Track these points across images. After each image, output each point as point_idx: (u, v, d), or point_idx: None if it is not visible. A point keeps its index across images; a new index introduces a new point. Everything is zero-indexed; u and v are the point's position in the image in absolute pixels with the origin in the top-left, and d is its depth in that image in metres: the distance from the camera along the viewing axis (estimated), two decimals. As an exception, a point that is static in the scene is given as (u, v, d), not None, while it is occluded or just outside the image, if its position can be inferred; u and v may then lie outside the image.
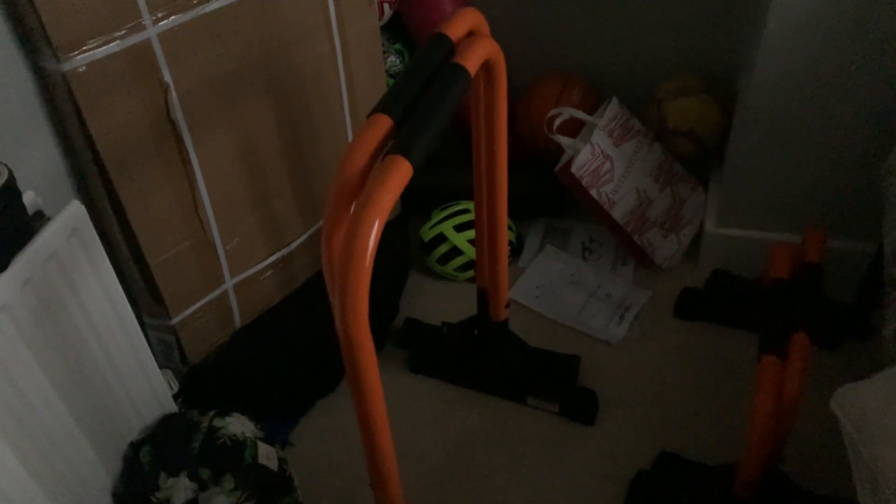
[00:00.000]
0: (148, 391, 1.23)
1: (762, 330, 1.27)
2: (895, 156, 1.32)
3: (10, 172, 0.88)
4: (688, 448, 1.41)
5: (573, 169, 1.64)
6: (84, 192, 1.18)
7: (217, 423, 1.24)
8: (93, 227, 1.03)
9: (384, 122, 0.85)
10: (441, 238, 1.76)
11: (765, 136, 1.57)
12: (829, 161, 1.55)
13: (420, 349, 1.63)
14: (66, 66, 1.02)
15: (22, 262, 0.91)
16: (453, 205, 1.81)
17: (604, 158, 1.68)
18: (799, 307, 1.30)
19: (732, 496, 1.26)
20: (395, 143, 0.82)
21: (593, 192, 1.66)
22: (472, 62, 0.93)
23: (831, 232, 1.46)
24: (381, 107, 0.86)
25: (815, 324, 1.27)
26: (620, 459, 1.42)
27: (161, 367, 1.29)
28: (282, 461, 1.27)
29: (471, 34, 1.03)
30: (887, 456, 0.89)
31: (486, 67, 1.03)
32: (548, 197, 1.88)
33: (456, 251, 1.75)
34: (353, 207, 0.81)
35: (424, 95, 0.89)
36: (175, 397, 1.33)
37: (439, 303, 1.75)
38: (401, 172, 0.79)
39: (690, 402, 1.52)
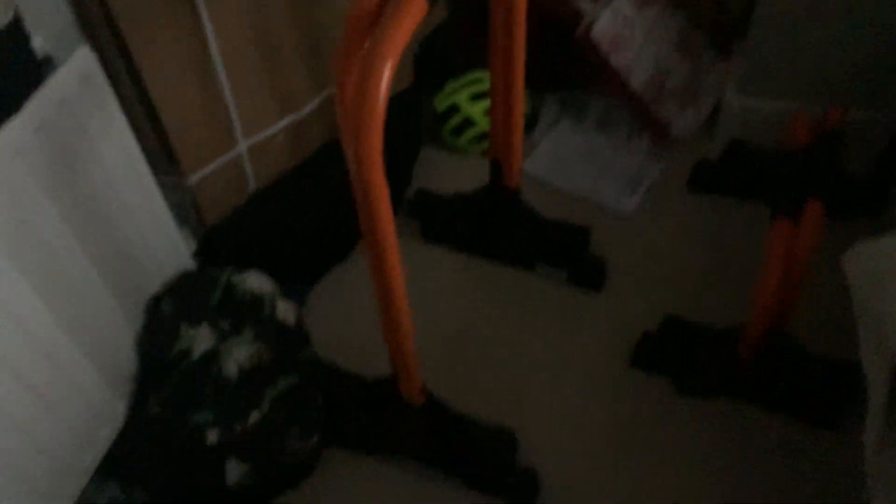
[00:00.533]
0: (166, 247, 1.26)
1: (776, 193, 1.27)
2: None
3: (17, 11, 0.87)
4: (694, 315, 1.43)
5: (593, 34, 1.59)
6: (93, 43, 1.16)
7: (235, 278, 1.27)
8: (104, 76, 1.02)
9: (397, -42, 0.81)
10: (455, 109, 1.74)
11: (794, 1, 1.51)
12: (860, 30, 1.49)
13: (433, 218, 1.64)
14: None
15: (34, 106, 0.91)
16: (468, 74, 1.77)
17: (624, 24, 1.63)
18: (816, 173, 1.29)
19: (736, 357, 1.30)
20: (409, -21, 0.80)
21: (612, 60, 1.62)
22: None
23: (853, 103, 1.42)
24: (394, -59, 0.82)
25: (830, 191, 1.26)
26: (627, 325, 1.45)
27: (178, 226, 1.31)
28: (299, 317, 1.31)
29: None
30: None
31: None
32: (564, 68, 1.83)
33: (469, 122, 1.73)
34: (365, 46, 0.80)
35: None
36: (193, 257, 1.36)
37: (452, 176, 1.75)
38: (415, 7, 0.77)
39: (699, 272, 1.53)
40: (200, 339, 1.20)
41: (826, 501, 1.20)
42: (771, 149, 1.63)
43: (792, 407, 1.30)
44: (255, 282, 1.28)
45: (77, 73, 0.96)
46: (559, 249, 1.55)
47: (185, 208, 1.38)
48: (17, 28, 0.86)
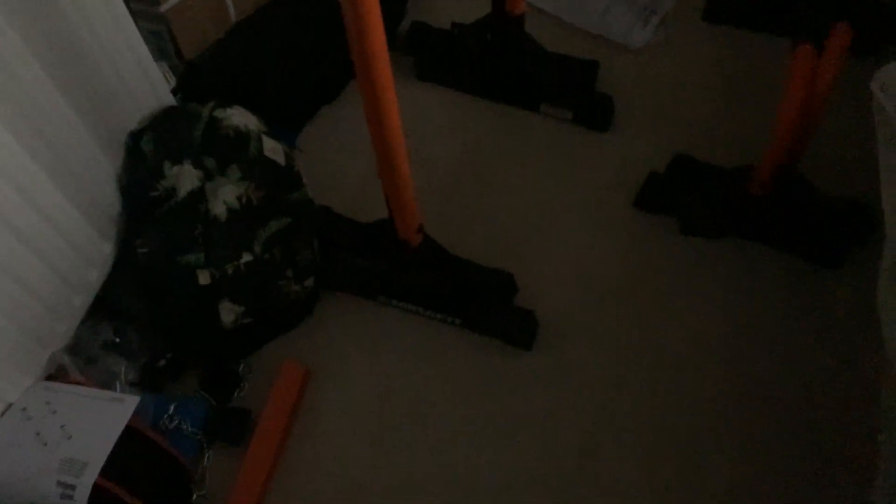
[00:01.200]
0: (143, 81, 1.17)
1: (801, 16, 1.17)
2: None
3: None
4: (705, 154, 1.37)
5: None
6: None
7: (218, 113, 1.19)
8: None
9: None
10: (452, -69, 1.59)
11: None
12: None
13: (429, 54, 1.53)
14: None
15: None
16: None
17: None
18: (846, -6, 1.18)
19: (746, 195, 1.25)
20: None
21: None
22: None
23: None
24: None
25: (859, 14, 1.16)
26: (635, 165, 1.39)
27: (155, 60, 1.22)
28: (288, 157, 1.25)
29: None
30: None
31: None
32: None
33: (469, -54, 1.59)
34: None
35: None
36: (173, 93, 1.28)
37: (448, 5, 1.62)
38: None
39: (712, 109, 1.45)
40: (185, 177, 1.14)
41: (830, 337, 1.19)
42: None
43: (799, 246, 1.27)
44: (240, 118, 1.21)
45: None
46: (564, 86, 1.46)
47: (161, 39, 1.29)
48: None
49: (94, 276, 1.16)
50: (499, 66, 1.47)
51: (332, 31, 1.42)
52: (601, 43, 1.55)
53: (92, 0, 1.02)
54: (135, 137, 1.17)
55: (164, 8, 1.23)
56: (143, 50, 1.16)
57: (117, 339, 1.23)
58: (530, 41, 1.45)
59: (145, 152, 1.16)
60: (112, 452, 0.96)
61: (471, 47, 1.48)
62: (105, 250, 1.17)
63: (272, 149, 1.22)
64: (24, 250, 1.00)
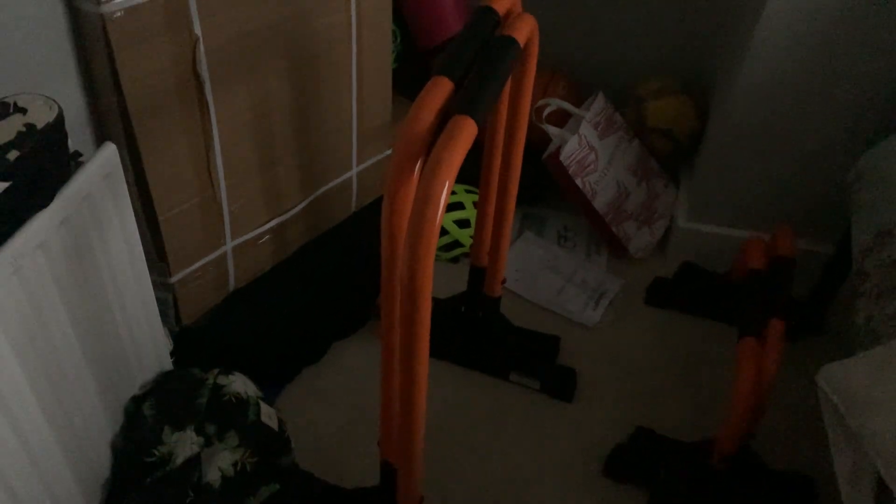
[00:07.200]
0: (151, 345, 1.22)
1: (742, 314, 1.37)
2: (863, 162, 1.44)
3: (60, 109, 0.87)
4: (661, 425, 1.49)
5: (562, 157, 1.70)
6: (102, 141, 1.16)
7: (221, 380, 1.24)
8: (122, 173, 1.01)
9: (445, 84, 0.88)
10: (426, 217, 1.80)
11: (739, 138, 1.67)
12: (798, 167, 1.67)
13: (404, 323, 1.65)
14: (105, 9, 1.01)
15: (62, 200, 0.90)
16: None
17: (589, 150, 1.75)
18: (775, 295, 1.40)
19: (708, 469, 1.35)
20: (458, 103, 0.86)
21: (578, 181, 1.73)
22: (520, 35, 0.97)
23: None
24: (442, 69, 0.89)
25: (788, 312, 1.38)
26: (598, 435, 1.49)
27: (158, 325, 1.28)
28: (281, 422, 1.28)
29: (508, 12, 1.07)
30: (874, 424, 0.99)
31: (525, 45, 1.07)
32: (526, 185, 1.93)
33: (442, 231, 1.79)
34: (417, 168, 0.84)
35: (478, 63, 0.92)
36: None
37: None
38: (467, 131, 0.82)
39: (662, 383, 1.60)
40: (185, 443, 1.15)
41: None
42: (719, 270, 1.76)
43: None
44: (241, 386, 1.25)
45: (102, 169, 0.96)
46: (531, 359, 1.59)
47: (165, 305, 1.35)
48: (58, 124, 0.86)
49: (71, 548, 1.11)
50: (472, 336, 1.59)
51: (321, 298, 1.53)
52: (559, 319, 1.72)
53: (125, 269, 1.10)
54: (136, 402, 1.19)
55: (173, 279, 1.32)
56: (157, 318, 1.22)
57: None
58: (500, 316, 1.60)
59: (146, 417, 1.17)
60: None
61: (448, 319, 1.61)
62: (87, 519, 1.13)
63: (267, 414, 1.26)
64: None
